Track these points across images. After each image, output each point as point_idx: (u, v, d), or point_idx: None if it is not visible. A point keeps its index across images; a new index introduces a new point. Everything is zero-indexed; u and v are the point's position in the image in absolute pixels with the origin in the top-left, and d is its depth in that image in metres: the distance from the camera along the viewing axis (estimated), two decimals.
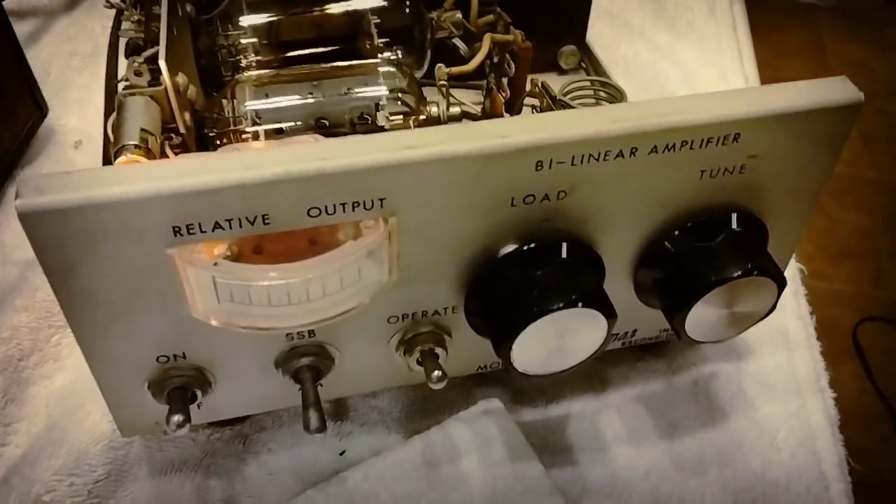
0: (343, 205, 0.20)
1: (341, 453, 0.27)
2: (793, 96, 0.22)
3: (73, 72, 0.42)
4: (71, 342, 0.29)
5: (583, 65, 0.40)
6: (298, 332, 0.23)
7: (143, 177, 0.19)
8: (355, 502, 0.26)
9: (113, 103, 0.26)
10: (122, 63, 0.28)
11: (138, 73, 0.25)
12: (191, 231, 0.20)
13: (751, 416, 0.28)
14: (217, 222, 0.20)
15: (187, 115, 0.26)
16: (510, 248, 0.23)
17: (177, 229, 0.19)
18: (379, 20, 0.32)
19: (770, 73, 0.48)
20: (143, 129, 0.22)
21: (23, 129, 0.36)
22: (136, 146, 0.22)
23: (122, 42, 0.30)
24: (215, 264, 0.20)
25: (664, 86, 0.43)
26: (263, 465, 0.27)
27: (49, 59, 0.43)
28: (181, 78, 0.26)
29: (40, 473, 0.26)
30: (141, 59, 0.25)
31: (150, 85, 0.24)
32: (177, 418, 0.22)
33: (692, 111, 0.21)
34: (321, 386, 0.24)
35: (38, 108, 0.37)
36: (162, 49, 0.25)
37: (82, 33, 0.45)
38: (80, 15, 0.47)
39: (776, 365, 0.30)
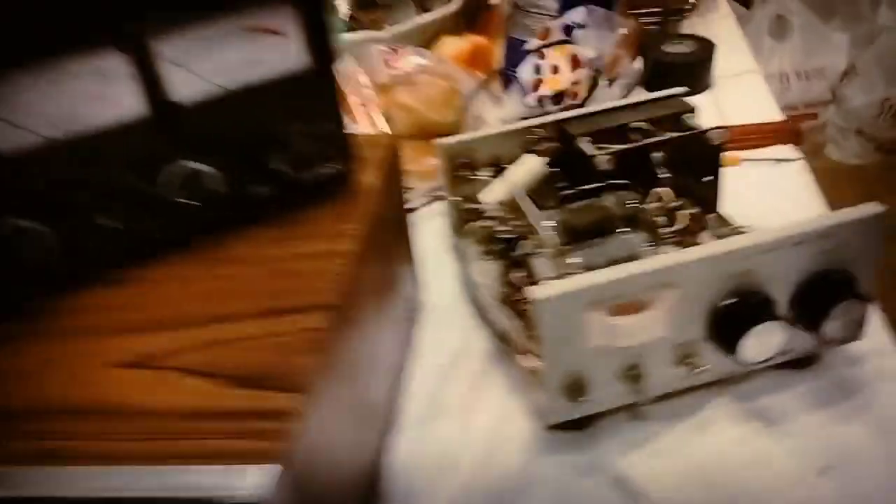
0: (655, 286, 0.46)
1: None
2: (853, 213, 0.48)
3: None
4: (489, 399, 0.55)
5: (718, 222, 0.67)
6: (631, 354, 0.48)
7: (572, 283, 0.45)
8: (665, 452, 0.49)
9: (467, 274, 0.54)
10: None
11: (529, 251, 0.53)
12: (594, 304, 0.45)
13: (871, 389, 0.51)
14: (601, 301, 0.45)
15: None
16: (728, 300, 0.48)
17: (589, 304, 0.45)
18: (618, 213, 0.59)
19: None
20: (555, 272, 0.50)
21: (416, 299, 0.64)
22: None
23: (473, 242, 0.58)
24: (605, 318, 0.46)
25: None
26: (609, 442, 0.50)
27: None
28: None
29: (493, 460, 0.50)
30: (530, 245, 0.52)
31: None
32: (582, 398, 0.47)
33: (805, 225, 0.47)
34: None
35: (418, 286, 0.65)
36: (550, 235, 0.52)
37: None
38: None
39: (880, 364, 0.53)
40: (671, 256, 0.47)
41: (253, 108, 0.44)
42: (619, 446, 0.50)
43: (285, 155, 0.46)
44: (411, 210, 0.76)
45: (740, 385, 0.52)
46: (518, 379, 0.55)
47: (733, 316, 0.47)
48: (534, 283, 0.52)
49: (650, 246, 0.56)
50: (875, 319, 0.55)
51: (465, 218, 0.65)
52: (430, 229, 0.73)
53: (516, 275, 0.54)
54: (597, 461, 0.50)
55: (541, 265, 0.51)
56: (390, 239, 0.56)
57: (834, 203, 0.70)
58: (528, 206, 0.56)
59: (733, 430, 0.50)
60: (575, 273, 0.53)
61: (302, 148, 0.46)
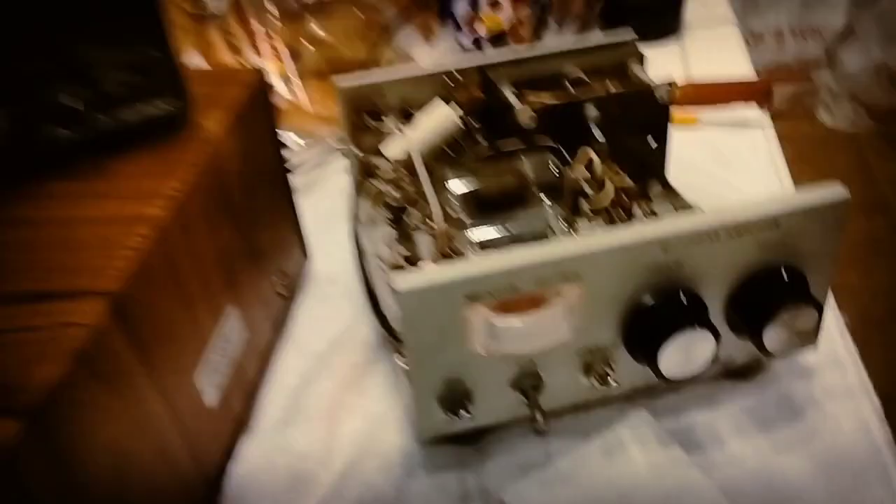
0: (555, 278, 0.36)
1: (545, 451, 0.42)
2: (808, 197, 0.38)
3: (315, 232, 0.61)
4: (361, 400, 0.45)
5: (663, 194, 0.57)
6: (525, 361, 0.39)
7: (451, 271, 0.36)
8: (562, 479, 0.40)
9: (359, 247, 0.44)
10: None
11: (424, 222, 0.43)
12: (476, 298, 0.36)
13: (821, 412, 0.42)
14: (489, 292, 0.36)
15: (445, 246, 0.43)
16: (648, 299, 0.38)
17: (469, 297, 0.36)
18: (535, 179, 0.49)
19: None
20: (431, 251, 0.40)
21: (297, 268, 0.54)
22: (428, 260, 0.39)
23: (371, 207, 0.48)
24: (489, 316, 0.36)
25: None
26: (497, 462, 0.41)
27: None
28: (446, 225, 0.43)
29: (362, 475, 0.41)
30: (419, 214, 0.42)
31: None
32: (463, 412, 0.38)
33: (748, 212, 0.37)
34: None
35: (304, 254, 0.56)
36: (436, 207, 0.42)
37: (315, 207, 0.64)
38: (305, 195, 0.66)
39: (834, 380, 0.44)
40: (577, 242, 0.37)
41: (42, 22, 0.34)
42: (508, 469, 0.41)
43: (89, 88, 0.36)
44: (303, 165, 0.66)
45: (660, 398, 0.43)
46: (402, 379, 0.46)
47: (654, 319, 0.38)
48: (416, 263, 0.42)
49: (570, 223, 0.46)
50: (831, 324, 0.46)
51: (367, 176, 0.55)
52: (336, 187, 0.63)
53: (403, 251, 0.44)
54: (480, 485, 0.41)
55: (425, 242, 0.42)
56: (253, 200, 0.45)
57: (813, 174, 0.60)
58: (420, 167, 0.45)
59: (648, 455, 0.41)
60: (473, 253, 0.44)
61: (110, 79, 0.36)
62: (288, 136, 0.74)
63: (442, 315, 0.36)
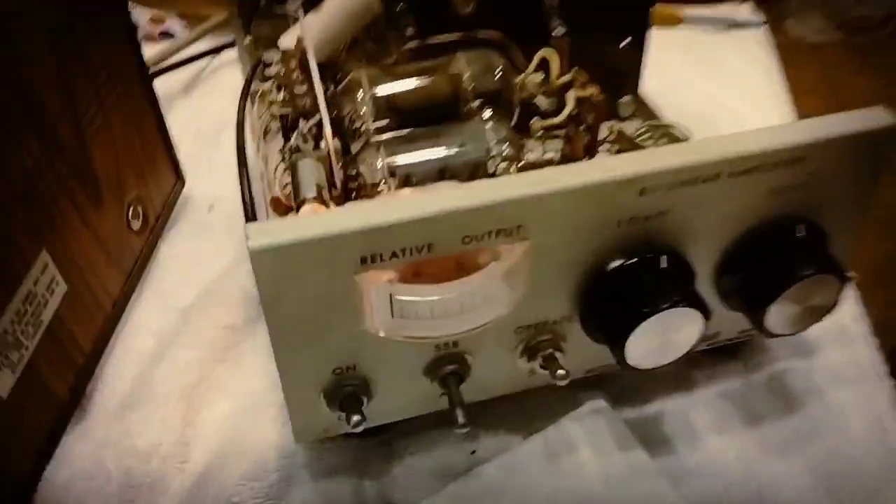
0: (489, 233, 0.25)
1: (472, 453, 0.32)
2: (844, 123, 0.27)
3: (198, 147, 0.48)
4: (234, 373, 0.35)
5: (637, 113, 0.46)
6: (444, 343, 0.28)
7: (337, 219, 0.24)
8: (490, 492, 0.30)
9: (243, 169, 0.32)
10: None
11: (306, 140, 0.31)
12: (374, 260, 0.25)
13: (824, 403, 0.33)
14: (394, 252, 0.25)
15: (341, 174, 0.32)
16: (617, 262, 0.27)
17: (363, 259, 0.25)
18: (473, 85, 0.38)
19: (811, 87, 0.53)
20: (317, 185, 0.28)
21: (167, 194, 0.42)
22: (314, 198, 0.28)
23: (263, 116, 0.36)
24: (392, 285, 0.25)
25: (716, 128, 0.48)
26: (407, 466, 0.32)
27: (178, 137, 0.49)
28: (336, 142, 0.31)
29: (225, 480, 0.31)
30: (306, 129, 0.30)
31: (314, 150, 0.30)
32: (356, 418, 0.27)
33: (763, 141, 0.26)
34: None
35: (178, 177, 0.43)
36: (326, 118, 0.30)
37: (201, 115, 0.51)
38: (196, 98, 0.53)
39: (841, 358, 0.34)
40: (522, 180, 0.26)
41: None
42: (420, 476, 0.31)
43: None
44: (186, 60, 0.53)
45: (621, 377, 0.33)
46: None
47: (623, 291, 0.27)
48: (300, 203, 0.30)
49: (516, 146, 0.34)
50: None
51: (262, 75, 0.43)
52: (230, 88, 0.50)
53: (287, 182, 0.33)
54: (382, 498, 0.31)
55: (308, 171, 0.30)
56: (84, 109, 0.33)
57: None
58: (311, 59, 0.33)
59: (604, 460, 0.31)
60: (382, 188, 0.32)
61: None
62: (171, 22, 0.60)
63: (321, 283, 0.25)
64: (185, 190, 0.44)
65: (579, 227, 0.26)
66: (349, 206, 0.29)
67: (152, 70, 0.53)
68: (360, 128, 0.36)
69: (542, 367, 0.29)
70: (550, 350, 0.29)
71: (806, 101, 0.54)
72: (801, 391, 0.33)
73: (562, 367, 0.28)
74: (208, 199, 0.44)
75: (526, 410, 0.33)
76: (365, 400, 0.28)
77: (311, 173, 0.29)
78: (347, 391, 0.28)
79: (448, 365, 0.29)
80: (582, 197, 0.26)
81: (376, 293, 0.25)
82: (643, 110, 0.46)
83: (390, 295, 0.26)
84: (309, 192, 0.28)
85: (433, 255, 0.25)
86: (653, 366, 0.28)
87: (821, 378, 0.34)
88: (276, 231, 0.24)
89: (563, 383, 0.28)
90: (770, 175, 0.27)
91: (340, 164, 0.33)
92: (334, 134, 0.35)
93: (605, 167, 0.26)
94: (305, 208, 0.27)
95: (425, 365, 0.29)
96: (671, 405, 0.33)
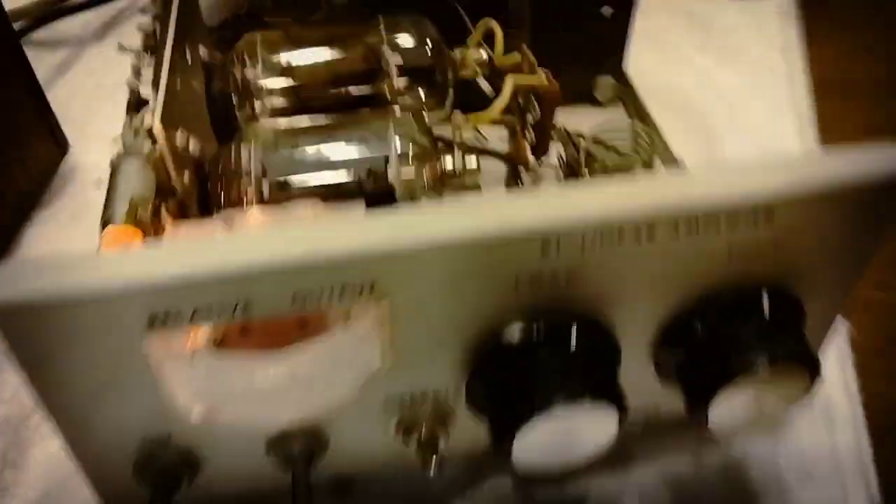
0: (331, 289, 0.19)
1: None
2: (835, 168, 0.20)
3: (96, 104, 0.42)
4: None
5: (621, 97, 0.39)
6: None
7: (114, 268, 0.18)
8: None
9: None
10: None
11: (137, 133, 0.24)
12: (167, 321, 0.18)
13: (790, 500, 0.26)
14: (195, 311, 0.18)
15: (187, 174, 0.25)
16: (515, 327, 0.21)
17: (153, 319, 0.18)
18: (400, 60, 0.30)
19: (839, 75, 0.45)
20: (132, 199, 0.21)
21: (40, 167, 0.36)
22: (126, 219, 0.21)
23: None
24: (194, 355, 0.19)
25: (707, 120, 0.40)
26: None
27: (73, 92, 0.43)
28: (181, 134, 0.25)
29: None
30: (139, 119, 0.24)
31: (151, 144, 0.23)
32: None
33: (719, 187, 0.19)
34: (314, 470, 0.23)
35: (58, 145, 0.37)
36: (157, 108, 0.24)
37: (108, 64, 0.45)
38: (110, 45, 0.47)
39: (816, 441, 0.27)
40: (369, 225, 0.19)
41: None
42: None
43: None
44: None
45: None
46: None
47: (516, 375, 0.21)
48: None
49: (423, 149, 0.27)
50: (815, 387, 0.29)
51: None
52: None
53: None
54: None
55: (127, 177, 0.23)
56: None
57: None
58: (172, 20, 0.26)
59: None
60: (249, 199, 0.26)
61: None
62: None
63: (100, 347, 0.19)
64: (71, 158, 0.38)
65: (460, 285, 0.20)
66: (144, 248, 0.22)
67: (58, 7, 0.47)
68: (248, 111, 0.29)
69: (420, 449, 0.23)
70: (429, 432, 0.23)
71: (860, 65, 0.45)
72: (762, 483, 0.27)
73: (437, 455, 0.22)
74: (97, 171, 0.37)
75: (421, 485, 0.27)
76: (190, 475, 0.22)
77: (129, 182, 0.22)
78: (165, 466, 0.22)
79: (295, 442, 0.22)
80: (458, 252, 0.19)
81: (171, 365, 0.19)
82: (626, 94, 0.38)
83: (201, 364, 0.19)
84: (117, 208, 0.21)
85: (252, 317, 0.19)
86: (551, 470, 0.21)
87: (787, 469, 0.27)
88: (28, 280, 0.17)
89: (433, 475, 0.22)
90: (729, 233, 0.20)
91: (207, 156, 0.26)
92: (216, 114, 0.29)
93: (492, 215, 0.19)
94: (107, 230, 0.21)
95: (267, 439, 0.22)
96: (598, 488, 0.27)
